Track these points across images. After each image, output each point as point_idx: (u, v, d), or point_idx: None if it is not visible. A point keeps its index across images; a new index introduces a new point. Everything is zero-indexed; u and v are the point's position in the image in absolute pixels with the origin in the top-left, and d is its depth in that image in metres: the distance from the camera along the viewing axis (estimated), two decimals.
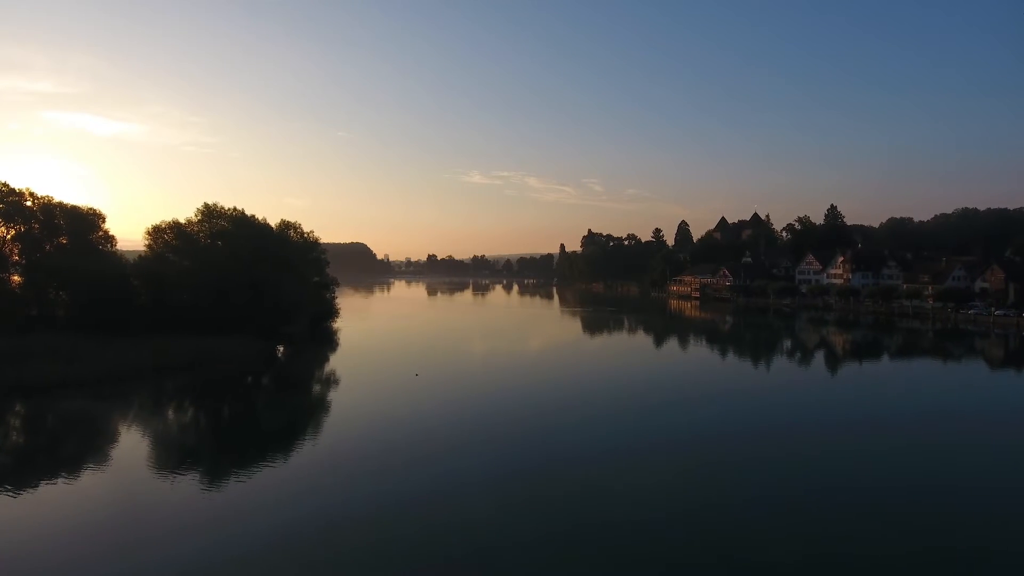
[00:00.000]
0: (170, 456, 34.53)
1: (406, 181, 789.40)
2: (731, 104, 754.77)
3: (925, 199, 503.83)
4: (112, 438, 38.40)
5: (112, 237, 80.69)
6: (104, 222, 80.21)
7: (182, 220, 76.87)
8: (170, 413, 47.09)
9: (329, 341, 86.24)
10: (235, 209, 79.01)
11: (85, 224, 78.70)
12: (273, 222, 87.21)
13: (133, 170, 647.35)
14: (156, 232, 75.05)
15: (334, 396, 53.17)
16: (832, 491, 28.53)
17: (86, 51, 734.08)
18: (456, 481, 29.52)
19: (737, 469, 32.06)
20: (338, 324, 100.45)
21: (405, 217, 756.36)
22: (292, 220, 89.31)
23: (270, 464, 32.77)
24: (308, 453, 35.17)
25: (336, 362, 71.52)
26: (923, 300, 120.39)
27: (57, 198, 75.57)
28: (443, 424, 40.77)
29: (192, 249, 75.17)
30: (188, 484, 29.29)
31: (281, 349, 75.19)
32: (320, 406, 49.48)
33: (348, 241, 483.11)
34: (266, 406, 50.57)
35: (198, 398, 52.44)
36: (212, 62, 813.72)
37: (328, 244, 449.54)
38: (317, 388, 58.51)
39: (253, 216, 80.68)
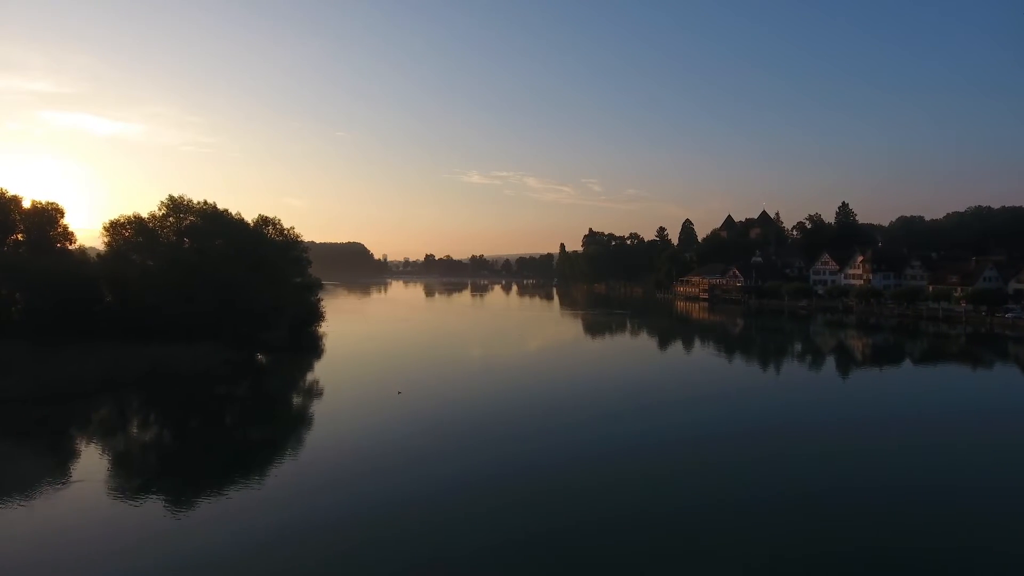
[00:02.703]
0: (85, 504, 26.74)
1: (405, 181, 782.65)
2: (731, 104, 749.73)
3: (927, 198, 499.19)
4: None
5: (71, 234, 73.68)
6: (63, 217, 73.32)
7: (144, 214, 69.10)
8: (100, 444, 38.89)
9: (312, 348, 78.49)
10: (205, 203, 71.36)
11: (43, 220, 71.56)
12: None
13: (132, 170, 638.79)
14: (114, 228, 67.15)
15: (302, 417, 45.88)
16: (841, 492, 28.47)
17: (84, 51, 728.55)
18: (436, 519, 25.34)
19: (748, 471, 31.88)
20: (325, 329, 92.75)
21: (404, 217, 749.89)
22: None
23: (214, 499, 25.40)
24: (261, 489, 29.20)
25: (313, 374, 63.72)
26: (952, 302, 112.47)
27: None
28: (426, 453, 34.20)
29: (155, 247, 67.44)
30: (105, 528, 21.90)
31: (257, 358, 67.51)
32: (284, 431, 41.81)
33: (346, 241, 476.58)
34: (222, 431, 42.69)
35: (141, 422, 44.87)
36: (211, 62, 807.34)
37: (324, 244, 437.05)
38: (284, 408, 50.63)
39: (226, 211, 72.95)
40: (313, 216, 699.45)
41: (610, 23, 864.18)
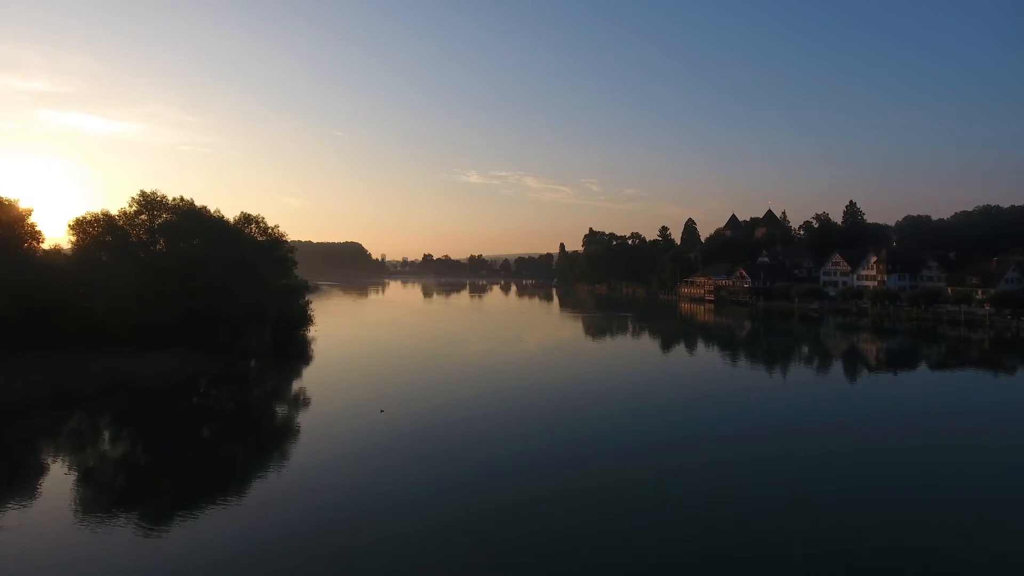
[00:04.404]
0: None
1: (404, 181, 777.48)
2: (731, 104, 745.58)
3: (929, 198, 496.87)
4: None
5: (39, 233, 68.53)
6: (30, 215, 68.23)
7: (114, 212, 63.81)
8: (45, 469, 33.55)
9: (297, 355, 73.39)
10: (181, 199, 66.11)
11: (10, 218, 66.49)
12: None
13: (130, 170, 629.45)
14: (80, 226, 61.85)
15: (279, 431, 41.58)
16: (852, 495, 28.36)
17: (81, 49, 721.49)
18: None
19: (757, 474, 31.66)
20: (314, 333, 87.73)
21: (402, 217, 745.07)
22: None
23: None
24: (235, 507, 27.35)
25: (296, 384, 58.72)
26: (974, 305, 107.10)
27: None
28: (413, 466, 32.09)
29: (126, 246, 62.16)
30: None
31: (235, 367, 62.24)
32: (258, 447, 37.79)
33: (344, 241, 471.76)
34: (189, 449, 37.41)
35: (98, 443, 39.60)
36: (208, 61, 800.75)
37: (322, 244, 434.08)
38: (260, 422, 45.67)
39: (204, 208, 67.71)
40: (311, 216, 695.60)
41: (609, 23, 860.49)
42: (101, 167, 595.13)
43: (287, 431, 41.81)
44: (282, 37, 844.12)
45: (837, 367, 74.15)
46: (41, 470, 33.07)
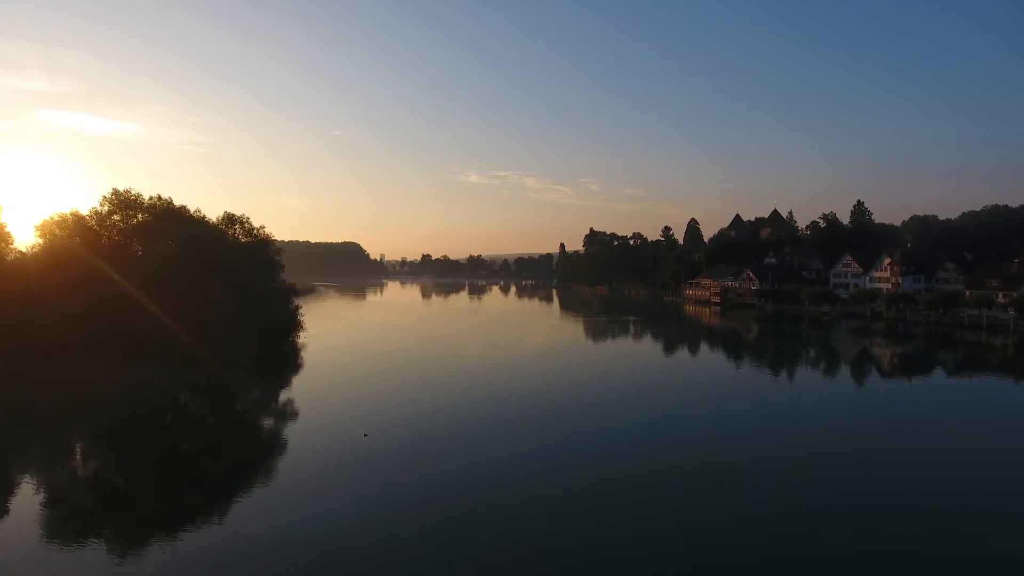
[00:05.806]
0: None
1: (403, 181, 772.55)
2: (730, 104, 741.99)
3: (932, 197, 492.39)
4: None
5: (8, 235, 64.02)
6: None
7: (85, 212, 59.32)
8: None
9: (284, 365, 68.74)
10: (159, 198, 61.59)
11: None
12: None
13: (130, 170, 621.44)
14: (47, 228, 57.35)
15: (251, 457, 37.11)
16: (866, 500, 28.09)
17: (80, 49, 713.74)
18: None
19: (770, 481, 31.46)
20: (305, 339, 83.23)
21: (401, 217, 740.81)
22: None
23: None
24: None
25: (279, 398, 54.15)
26: (996, 309, 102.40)
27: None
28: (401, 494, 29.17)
29: (97, 250, 57.64)
30: None
31: (215, 378, 57.70)
32: (235, 468, 34.00)
33: (342, 241, 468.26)
34: (144, 480, 32.83)
35: (53, 466, 35.09)
36: (208, 61, 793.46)
37: (320, 244, 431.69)
38: (231, 447, 40.93)
39: (183, 207, 63.26)
40: (311, 216, 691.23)
41: (609, 22, 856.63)
42: (100, 167, 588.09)
43: (270, 448, 38.49)
44: (282, 37, 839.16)
45: (854, 373, 70.27)
46: (6, 492, 29.74)
